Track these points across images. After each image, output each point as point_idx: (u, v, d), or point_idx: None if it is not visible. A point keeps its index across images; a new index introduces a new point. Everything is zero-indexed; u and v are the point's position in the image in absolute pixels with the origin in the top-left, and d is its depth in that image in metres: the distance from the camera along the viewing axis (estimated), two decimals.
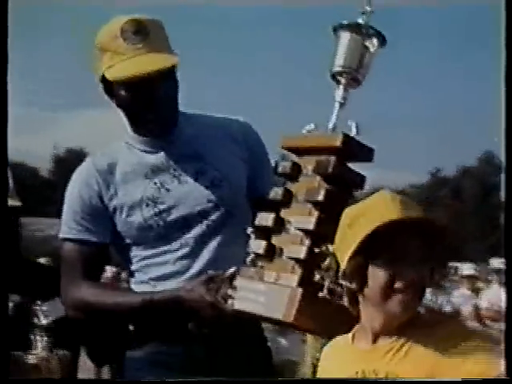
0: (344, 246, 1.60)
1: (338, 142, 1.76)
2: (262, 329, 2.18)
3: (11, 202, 2.38)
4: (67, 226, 2.09)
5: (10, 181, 2.47)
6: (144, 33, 1.97)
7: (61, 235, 2.10)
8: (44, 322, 2.47)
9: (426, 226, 1.55)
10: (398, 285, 1.53)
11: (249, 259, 1.88)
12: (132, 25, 1.97)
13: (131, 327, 2.12)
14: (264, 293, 1.78)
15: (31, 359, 2.53)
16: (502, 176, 1.60)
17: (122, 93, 2.01)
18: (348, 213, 1.62)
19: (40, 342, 2.60)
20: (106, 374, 5.69)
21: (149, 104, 1.99)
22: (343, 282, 1.61)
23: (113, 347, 2.19)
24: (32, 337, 2.55)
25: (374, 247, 1.53)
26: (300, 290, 1.71)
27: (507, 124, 1.50)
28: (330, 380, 1.55)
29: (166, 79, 2.01)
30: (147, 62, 1.95)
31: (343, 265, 1.59)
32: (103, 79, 2.03)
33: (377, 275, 1.55)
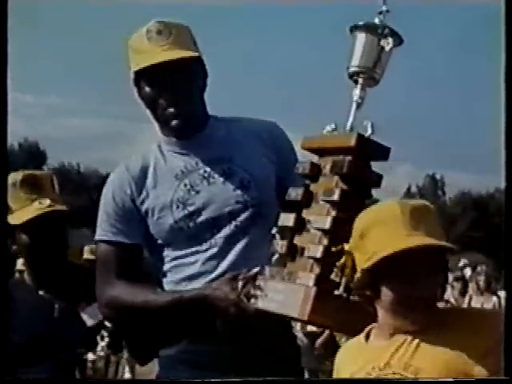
0: (356, 255, 1.63)
1: (352, 143, 1.78)
2: (291, 327, 2.21)
3: (58, 207, 2.46)
4: (102, 229, 2.16)
5: (56, 186, 2.57)
6: (166, 33, 2.06)
7: (96, 237, 2.18)
8: (90, 323, 2.54)
9: (433, 249, 1.56)
10: (407, 303, 1.57)
11: (273, 259, 1.92)
12: (156, 26, 2.08)
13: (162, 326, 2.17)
14: (282, 292, 1.82)
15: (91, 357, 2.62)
16: None
17: (145, 89, 2.10)
18: (360, 221, 1.64)
19: (101, 343, 2.69)
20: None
21: (166, 99, 2.07)
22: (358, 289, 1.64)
23: (155, 344, 2.24)
24: (91, 337, 2.64)
25: (382, 268, 1.56)
26: (314, 289, 1.73)
27: (507, 124, 1.48)
28: (329, 380, 1.56)
29: (184, 76, 2.07)
30: (163, 55, 2.04)
31: (357, 274, 1.62)
32: (135, 82, 2.13)
33: (387, 293, 1.59)
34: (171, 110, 2.09)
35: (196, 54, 2.09)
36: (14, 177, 2.45)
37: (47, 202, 2.43)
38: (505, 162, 1.50)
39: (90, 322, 2.51)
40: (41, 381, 2.16)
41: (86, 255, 6.46)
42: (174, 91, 2.07)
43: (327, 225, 1.77)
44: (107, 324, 2.56)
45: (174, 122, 2.10)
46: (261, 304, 1.88)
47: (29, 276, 2.54)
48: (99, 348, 2.64)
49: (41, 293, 2.51)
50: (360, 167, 1.81)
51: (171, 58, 2.03)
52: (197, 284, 2.07)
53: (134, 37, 2.12)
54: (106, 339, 2.64)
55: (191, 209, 2.10)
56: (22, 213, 2.38)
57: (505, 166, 1.50)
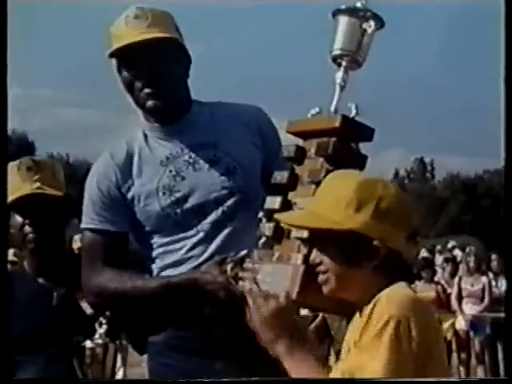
0: None
1: (336, 124, 1.80)
2: None
3: (47, 191, 2.46)
4: (87, 217, 2.17)
5: (58, 174, 2.56)
6: (143, 18, 2.09)
7: (82, 225, 2.18)
8: (89, 312, 2.54)
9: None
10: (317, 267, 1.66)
11: (261, 242, 1.94)
12: (133, 11, 2.10)
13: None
14: (271, 273, 1.83)
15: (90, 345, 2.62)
16: None
17: (123, 73, 2.12)
18: None
19: (99, 330, 2.69)
20: None
21: (142, 80, 2.09)
22: None
23: (150, 332, 2.25)
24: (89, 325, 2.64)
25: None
26: (303, 267, 1.74)
27: (507, 123, 1.48)
28: (328, 380, 1.58)
29: (161, 58, 2.08)
30: (137, 38, 2.06)
31: None
32: (117, 69, 2.14)
33: None
34: (147, 90, 2.10)
35: (170, 35, 2.09)
36: (13, 162, 2.46)
37: (36, 184, 2.45)
38: (505, 160, 1.50)
39: (89, 310, 2.51)
40: (41, 381, 2.17)
41: (78, 244, 6.47)
42: (150, 72, 2.08)
43: None
44: (106, 312, 2.57)
45: (149, 103, 2.11)
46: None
47: (27, 263, 2.55)
48: (97, 335, 2.64)
49: (40, 281, 2.52)
50: (345, 148, 1.82)
51: (144, 38, 2.05)
52: (184, 269, 2.09)
53: (115, 23, 2.13)
54: (105, 326, 2.65)
55: (177, 195, 2.11)
56: (12, 194, 2.39)
57: (505, 164, 1.50)
